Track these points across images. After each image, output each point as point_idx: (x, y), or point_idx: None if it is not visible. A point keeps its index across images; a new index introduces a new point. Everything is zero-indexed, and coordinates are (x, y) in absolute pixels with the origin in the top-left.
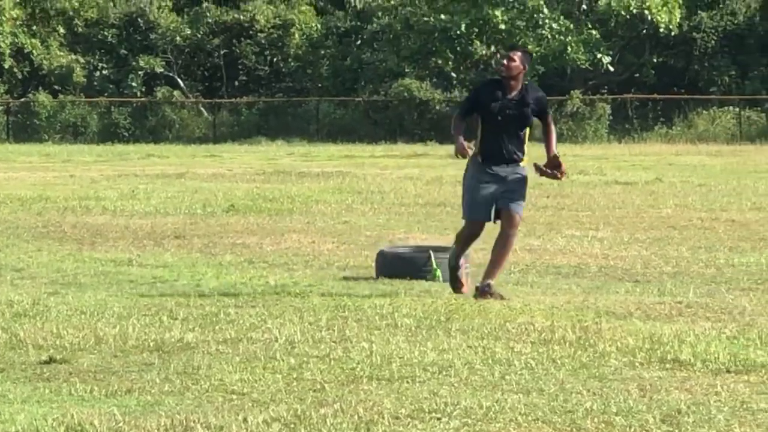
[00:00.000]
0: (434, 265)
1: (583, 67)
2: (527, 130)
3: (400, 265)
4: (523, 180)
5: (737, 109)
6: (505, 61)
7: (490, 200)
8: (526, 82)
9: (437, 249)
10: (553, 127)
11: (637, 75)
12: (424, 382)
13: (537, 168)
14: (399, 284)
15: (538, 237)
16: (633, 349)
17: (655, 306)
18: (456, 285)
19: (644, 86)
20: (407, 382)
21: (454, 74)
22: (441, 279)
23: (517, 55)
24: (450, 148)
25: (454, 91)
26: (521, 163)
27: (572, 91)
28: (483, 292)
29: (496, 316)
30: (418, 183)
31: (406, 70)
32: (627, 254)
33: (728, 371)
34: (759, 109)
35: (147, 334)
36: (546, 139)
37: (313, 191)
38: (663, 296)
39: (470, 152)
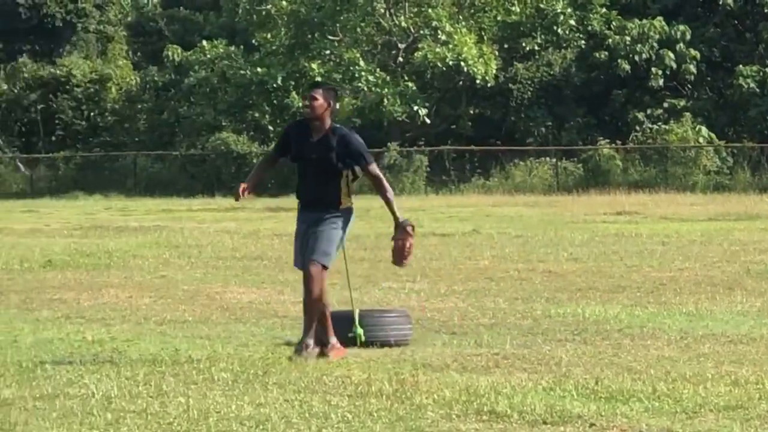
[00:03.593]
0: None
1: (400, 119)
2: (346, 177)
3: None
4: (330, 231)
5: (554, 160)
6: (306, 101)
7: (303, 248)
8: (337, 125)
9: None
10: (382, 180)
11: (454, 127)
12: None
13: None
14: (217, 338)
15: (356, 289)
16: (450, 401)
17: (472, 358)
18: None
19: (461, 138)
20: None
21: (270, 127)
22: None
23: (318, 93)
24: (270, 202)
25: (271, 144)
26: (336, 213)
27: (389, 144)
28: (299, 351)
29: (313, 370)
30: (235, 236)
31: (223, 124)
32: (444, 306)
33: (545, 422)
34: (575, 159)
35: None
36: (381, 198)
37: (131, 246)
38: (480, 348)
39: (243, 197)
